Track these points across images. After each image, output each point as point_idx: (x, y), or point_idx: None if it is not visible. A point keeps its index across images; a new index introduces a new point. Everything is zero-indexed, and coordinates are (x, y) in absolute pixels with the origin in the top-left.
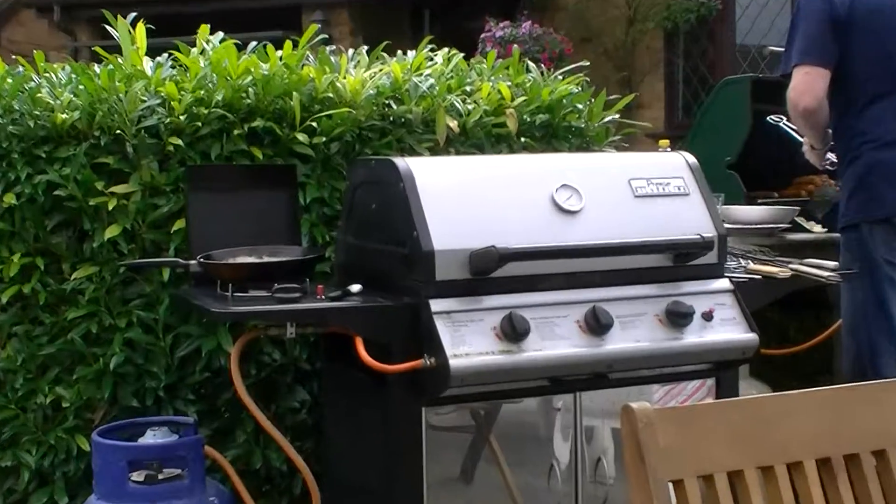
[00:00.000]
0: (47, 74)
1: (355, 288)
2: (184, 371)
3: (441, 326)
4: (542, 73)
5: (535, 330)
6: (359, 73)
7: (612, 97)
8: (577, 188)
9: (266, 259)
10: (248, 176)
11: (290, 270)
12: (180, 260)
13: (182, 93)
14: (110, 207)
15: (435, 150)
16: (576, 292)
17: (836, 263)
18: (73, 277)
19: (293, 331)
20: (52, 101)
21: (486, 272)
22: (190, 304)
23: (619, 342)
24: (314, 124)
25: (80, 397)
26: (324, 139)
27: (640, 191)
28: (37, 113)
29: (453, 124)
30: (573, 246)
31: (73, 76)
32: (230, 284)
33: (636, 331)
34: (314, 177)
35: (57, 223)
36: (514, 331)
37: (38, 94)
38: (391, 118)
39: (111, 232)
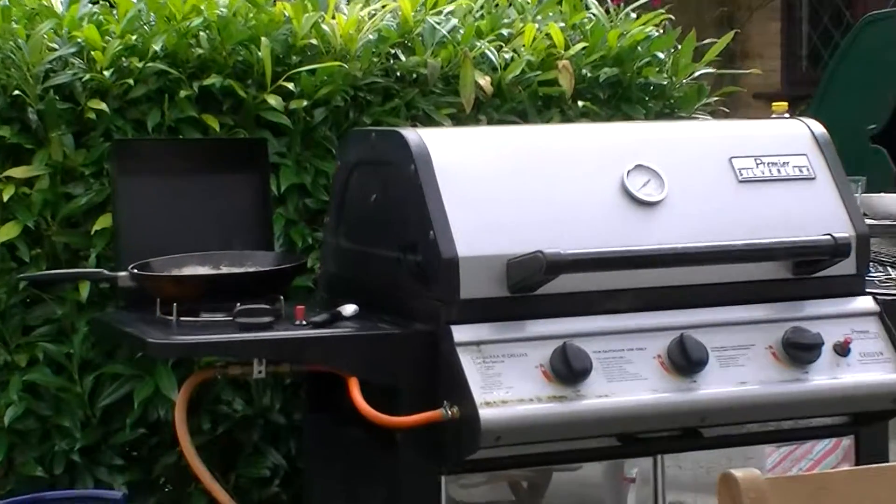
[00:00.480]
0: None
1: (349, 310)
2: (108, 427)
3: (468, 363)
4: (607, 11)
5: (599, 368)
6: (353, 12)
7: (706, 41)
8: (658, 170)
9: (225, 270)
10: (199, 154)
11: (257, 286)
12: (105, 271)
13: (107, 38)
14: (5, 198)
15: (459, 119)
16: (655, 315)
17: None
18: None
19: (262, 370)
20: None
21: (531, 287)
22: (117, 332)
23: (716, 385)
24: (291, 84)
25: None
26: (304, 103)
27: (746, 174)
28: None
29: (485, 82)
30: (651, 251)
31: None
32: (174, 305)
33: (741, 369)
34: (291, 155)
35: None
36: (569, 369)
37: None
38: (398, 74)
39: (7, 233)
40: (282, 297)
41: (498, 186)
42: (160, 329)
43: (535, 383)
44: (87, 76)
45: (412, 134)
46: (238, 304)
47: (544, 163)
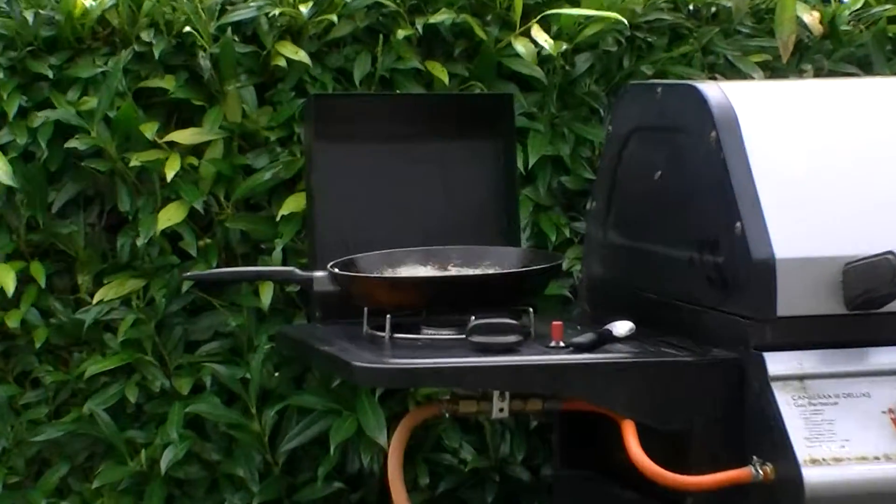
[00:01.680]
0: None
1: (622, 328)
2: (295, 478)
3: (787, 405)
4: None
5: None
6: None
7: None
8: None
9: (454, 271)
10: (420, 116)
11: (498, 293)
12: (296, 270)
13: None
14: (169, 173)
15: (775, 69)
16: None
17: None
18: (96, 300)
19: (504, 407)
20: None
21: (876, 303)
22: (311, 352)
23: None
24: (544, 22)
25: None
26: (564, 48)
27: None
28: None
29: (811, 19)
30: None
31: None
32: (388, 317)
33: None
34: (544, 118)
35: (70, 198)
36: None
37: None
38: (690, 8)
39: (169, 217)
40: (530, 310)
41: (829, 163)
42: (369, 349)
43: (881, 435)
44: (276, 11)
45: (712, 89)
46: (472, 317)
47: (885, 129)
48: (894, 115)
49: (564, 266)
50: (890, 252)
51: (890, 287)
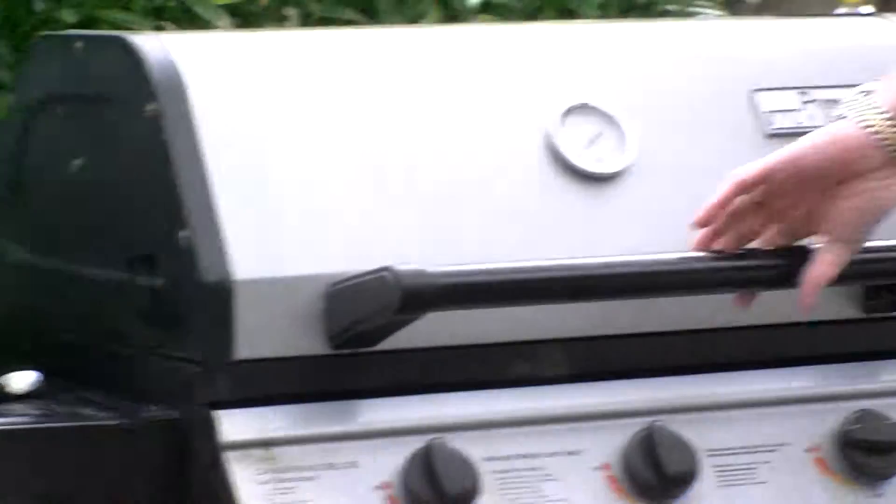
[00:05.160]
0: None
1: (22, 381)
2: None
3: (247, 482)
4: None
5: (494, 489)
6: None
7: None
8: (615, 116)
9: None
10: None
11: None
12: None
13: None
14: None
15: (246, 15)
16: (604, 389)
17: None
18: None
19: None
20: None
21: (370, 337)
22: None
23: None
24: None
25: None
26: None
27: (781, 121)
28: None
29: None
30: (600, 267)
31: None
32: None
33: (759, 490)
34: None
35: None
36: (438, 492)
37: None
38: None
39: None
40: None
41: (321, 146)
42: None
43: None
44: None
45: (152, 43)
46: None
47: (403, 100)
48: (400, 79)
49: None
50: (386, 269)
51: (387, 314)
